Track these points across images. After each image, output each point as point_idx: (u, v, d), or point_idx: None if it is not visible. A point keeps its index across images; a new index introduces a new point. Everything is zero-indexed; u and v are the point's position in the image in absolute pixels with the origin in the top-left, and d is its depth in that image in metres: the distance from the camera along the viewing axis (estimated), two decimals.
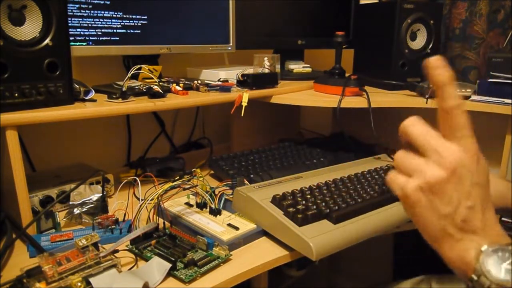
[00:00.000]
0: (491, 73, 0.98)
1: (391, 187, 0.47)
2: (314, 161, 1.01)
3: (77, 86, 0.79)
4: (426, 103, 0.99)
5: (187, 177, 0.75)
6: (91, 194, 0.77)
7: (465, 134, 0.45)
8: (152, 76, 0.87)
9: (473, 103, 0.98)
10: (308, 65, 1.29)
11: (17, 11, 0.67)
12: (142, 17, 0.93)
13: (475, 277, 0.41)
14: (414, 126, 0.46)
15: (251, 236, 0.69)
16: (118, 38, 0.90)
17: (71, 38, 0.80)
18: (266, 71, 1.06)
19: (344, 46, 1.07)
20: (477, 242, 0.42)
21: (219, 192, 0.79)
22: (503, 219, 0.98)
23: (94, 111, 0.74)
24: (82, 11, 0.83)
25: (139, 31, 0.93)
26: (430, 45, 1.15)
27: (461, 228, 0.43)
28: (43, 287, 0.53)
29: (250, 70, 1.04)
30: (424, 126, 0.46)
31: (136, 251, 0.63)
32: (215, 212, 0.74)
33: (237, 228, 0.69)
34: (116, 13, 0.89)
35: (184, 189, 0.78)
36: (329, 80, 1.08)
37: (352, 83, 1.03)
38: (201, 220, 0.72)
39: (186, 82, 0.98)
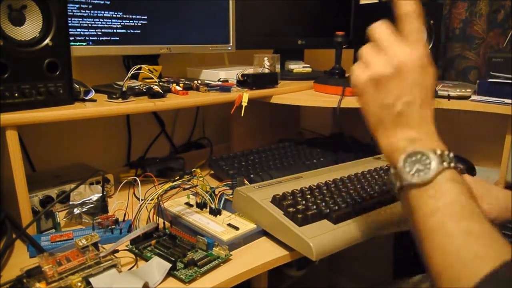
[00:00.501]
0: (491, 73, 0.99)
1: (351, 77, 0.53)
2: (314, 161, 1.01)
3: (77, 86, 0.79)
4: None
5: (187, 177, 0.75)
6: (91, 194, 0.77)
7: (416, 38, 0.50)
8: (152, 76, 0.87)
9: (473, 103, 0.98)
10: (308, 65, 1.29)
11: (17, 11, 0.67)
12: (142, 17, 0.93)
13: (393, 170, 0.48)
14: (379, 27, 0.51)
15: (251, 236, 0.69)
16: (118, 38, 0.90)
17: (71, 38, 0.80)
18: (266, 71, 1.06)
19: (344, 46, 1.07)
20: (408, 134, 0.48)
21: (219, 192, 0.79)
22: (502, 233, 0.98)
23: (94, 111, 0.74)
24: (82, 11, 0.83)
25: (139, 31, 0.93)
26: (430, 45, 1.14)
27: (395, 121, 0.49)
28: (43, 287, 0.53)
29: (250, 70, 1.04)
30: (387, 29, 0.51)
31: (136, 251, 0.63)
32: (215, 212, 0.74)
33: (237, 228, 0.69)
34: (116, 13, 0.89)
35: (184, 189, 0.78)
36: (329, 80, 1.08)
37: None
38: (201, 220, 0.72)
39: (186, 82, 0.98)
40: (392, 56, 0.49)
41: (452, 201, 0.43)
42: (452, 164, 0.45)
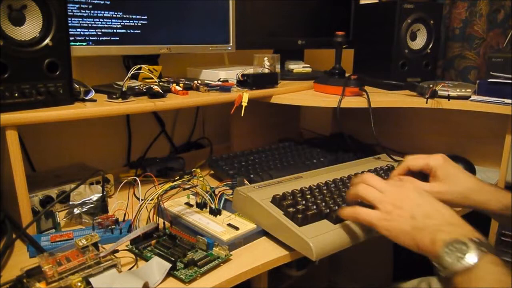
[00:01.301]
0: (491, 73, 0.98)
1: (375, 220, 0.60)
2: (314, 161, 1.01)
3: (77, 86, 0.79)
4: (426, 103, 0.99)
5: (187, 177, 0.75)
6: (91, 194, 0.77)
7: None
8: (152, 76, 0.87)
9: (473, 103, 0.98)
10: (308, 65, 1.29)
11: (17, 11, 0.67)
12: (142, 17, 0.93)
13: (437, 262, 0.51)
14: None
15: (251, 236, 0.69)
16: (118, 38, 0.90)
17: (71, 38, 0.80)
18: (266, 71, 1.06)
19: (344, 46, 1.07)
20: (443, 228, 0.53)
21: (219, 192, 0.79)
22: (503, 232, 0.99)
23: (94, 111, 0.74)
24: (82, 11, 0.83)
25: (139, 31, 0.93)
26: (430, 45, 1.15)
27: (425, 220, 0.56)
28: (43, 287, 0.53)
29: (250, 70, 1.04)
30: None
31: (136, 251, 0.63)
32: (215, 212, 0.74)
33: (237, 228, 0.69)
34: (116, 13, 0.88)
35: (184, 189, 0.78)
36: (329, 80, 1.08)
37: (352, 83, 1.03)
38: (201, 220, 0.72)
39: (186, 82, 0.98)
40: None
41: (496, 281, 0.46)
42: (492, 249, 0.49)
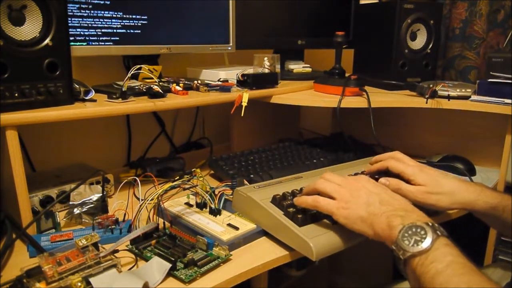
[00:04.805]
0: (491, 73, 0.98)
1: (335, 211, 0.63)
2: (314, 161, 1.01)
3: (77, 86, 0.79)
4: (426, 103, 0.99)
5: (187, 177, 0.75)
6: (91, 194, 0.77)
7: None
8: (152, 76, 0.87)
9: (473, 103, 0.98)
10: (308, 65, 1.29)
11: (17, 11, 0.67)
12: (142, 17, 0.93)
13: (395, 246, 0.53)
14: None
15: (251, 236, 0.69)
16: (118, 38, 0.90)
17: (71, 38, 0.80)
18: (266, 71, 1.06)
19: (344, 46, 1.07)
20: (398, 213, 0.56)
21: (219, 192, 0.79)
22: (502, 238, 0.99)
23: (94, 111, 0.74)
24: (82, 11, 0.83)
25: (139, 31, 0.93)
26: (430, 45, 1.15)
27: (381, 208, 0.58)
28: (43, 287, 0.53)
29: (250, 70, 1.04)
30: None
31: (136, 251, 0.63)
32: (215, 212, 0.74)
33: (237, 228, 0.69)
34: (116, 13, 0.88)
35: (184, 189, 0.78)
36: (329, 80, 1.08)
37: (352, 83, 1.03)
38: (201, 220, 0.72)
39: (186, 82, 0.98)
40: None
41: (452, 261, 0.48)
42: (445, 233, 0.52)
